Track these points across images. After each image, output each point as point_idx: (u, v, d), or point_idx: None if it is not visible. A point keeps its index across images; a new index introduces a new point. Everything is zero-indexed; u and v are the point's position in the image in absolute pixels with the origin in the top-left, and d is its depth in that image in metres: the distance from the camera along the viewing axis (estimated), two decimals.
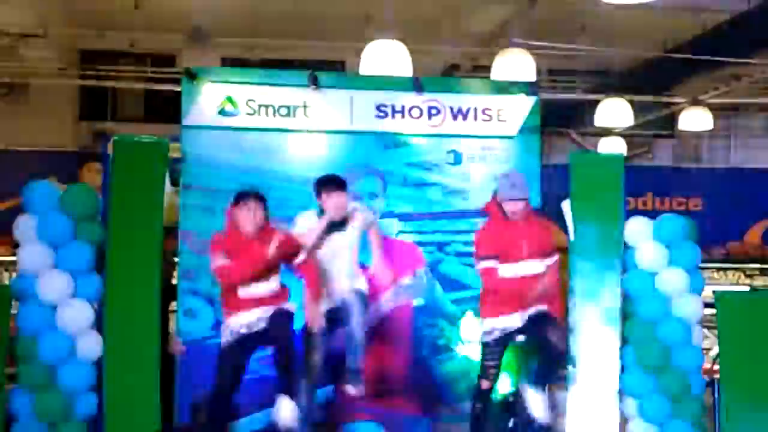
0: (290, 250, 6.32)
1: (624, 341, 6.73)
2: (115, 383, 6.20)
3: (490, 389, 6.57)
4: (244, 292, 6.22)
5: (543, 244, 6.52)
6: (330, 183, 6.52)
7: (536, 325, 6.48)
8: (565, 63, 14.01)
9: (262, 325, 6.23)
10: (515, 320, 6.45)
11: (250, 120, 7.28)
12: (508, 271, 6.41)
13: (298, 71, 7.70)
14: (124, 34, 13.03)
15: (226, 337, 6.29)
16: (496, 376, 6.58)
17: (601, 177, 7.03)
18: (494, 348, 6.51)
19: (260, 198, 6.25)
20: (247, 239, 6.19)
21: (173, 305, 7.26)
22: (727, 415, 6.74)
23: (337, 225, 6.50)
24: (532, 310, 6.47)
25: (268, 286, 6.25)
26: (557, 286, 6.60)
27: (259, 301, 6.22)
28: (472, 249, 6.66)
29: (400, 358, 7.32)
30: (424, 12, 12.29)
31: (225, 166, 7.16)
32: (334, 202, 6.45)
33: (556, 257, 6.58)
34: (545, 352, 6.51)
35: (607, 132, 14.38)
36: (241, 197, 6.25)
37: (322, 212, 6.50)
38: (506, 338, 6.52)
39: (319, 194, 6.52)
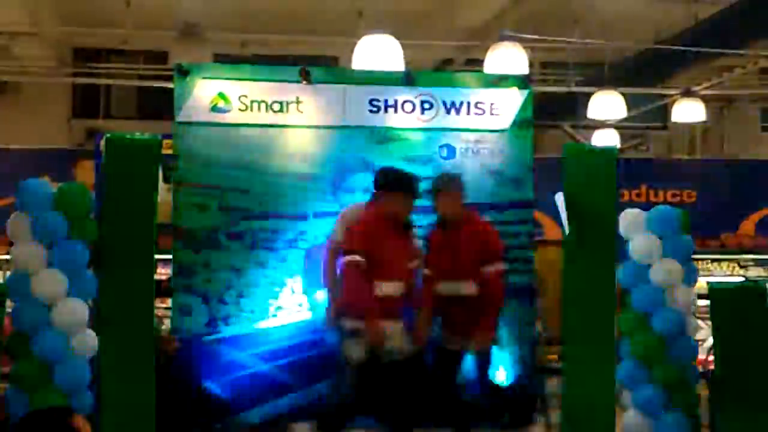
0: None
1: (618, 333, 6.74)
2: (111, 381, 6.20)
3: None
4: None
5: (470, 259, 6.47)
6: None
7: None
8: (557, 56, 14.05)
9: None
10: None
11: (243, 116, 7.26)
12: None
13: (290, 67, 7.67)
14: (115, 32, 13.02)
15: None
16: None
17: (594, 169, 7.02)
18: None
19: None
20: None
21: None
22: (721, 407, 6.76)
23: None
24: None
25: None
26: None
27: None
28: None
29: None
30: (417, 6, 12.32)
31: (218, 162, 7.15)
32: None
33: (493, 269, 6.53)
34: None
35: (600, 124, 14.40)
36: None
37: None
38: None
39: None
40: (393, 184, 6.40)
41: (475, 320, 6.44)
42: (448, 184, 6.69)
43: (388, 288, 6.22)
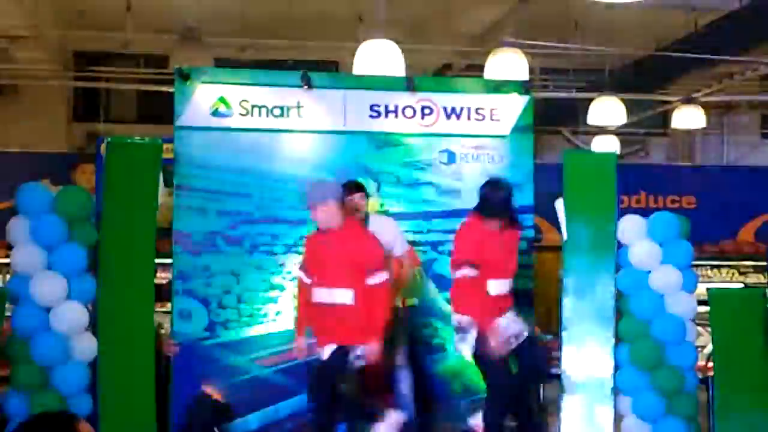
0: None
1: (618, 339, 6.74)
2: (110, 384, 6.19)
3: None
4: None
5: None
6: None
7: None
8: (557, 62, 14.04)
9: None
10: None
11: (244, 121, 7.27)
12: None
13: (291, 71, 7.68)
14: (116, 35, 13.01)
15: None
16: None
17: (594, 175, 7.04)
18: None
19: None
20: None
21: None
22: (721, 413, 6.76)
23: None
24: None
25: None
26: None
27: None
28: None
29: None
30: (417, 12, 12.30)
31: (218, 166, 7.15)
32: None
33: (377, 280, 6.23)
34: None
35: (600, 130, 14.41)
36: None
37: None
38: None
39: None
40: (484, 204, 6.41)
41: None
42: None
43: (498, 287, 6.38)
